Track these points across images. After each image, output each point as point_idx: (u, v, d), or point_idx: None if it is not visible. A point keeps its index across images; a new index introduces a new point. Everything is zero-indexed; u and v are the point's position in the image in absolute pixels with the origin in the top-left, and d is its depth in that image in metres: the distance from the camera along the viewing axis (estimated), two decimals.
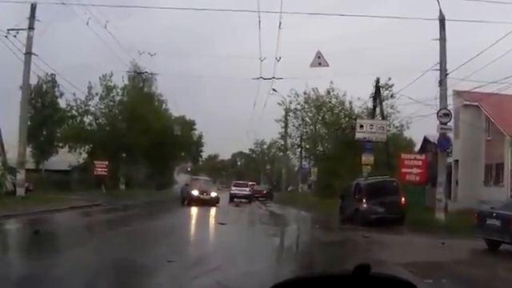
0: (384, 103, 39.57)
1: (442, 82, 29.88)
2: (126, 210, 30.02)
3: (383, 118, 32.64)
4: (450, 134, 31.18)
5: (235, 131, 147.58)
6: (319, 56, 30.18)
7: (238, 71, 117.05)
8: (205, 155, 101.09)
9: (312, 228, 23.72)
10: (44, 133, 58.57)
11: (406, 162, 30.22)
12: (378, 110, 37.27)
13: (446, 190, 30.24)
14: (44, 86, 58.09)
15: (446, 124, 29.58)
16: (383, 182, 27.71)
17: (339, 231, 23.12)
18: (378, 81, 32.58)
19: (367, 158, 31.98)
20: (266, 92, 70.45)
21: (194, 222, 23.00)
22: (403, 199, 27.18)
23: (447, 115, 29.76)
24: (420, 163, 30.28)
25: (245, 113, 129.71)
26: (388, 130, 33.17)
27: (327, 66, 29.98)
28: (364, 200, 26.37)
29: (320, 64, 30.15)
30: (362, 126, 31.86)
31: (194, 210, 31.65)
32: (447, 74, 30.17)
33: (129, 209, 31.01)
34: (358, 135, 32.12)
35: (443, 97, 30.00)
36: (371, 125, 31.85)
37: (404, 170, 29.98)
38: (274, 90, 54.77)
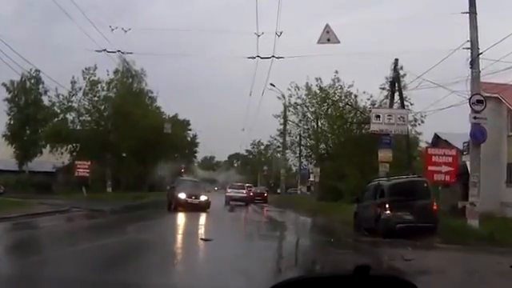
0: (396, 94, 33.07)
1: (474, 63, 23.90)
2: (93, 217, 23.59)
3: (403, 106, 25.93)
4: (485, 125, 24.99)
5: (231, 132, 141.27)
6: (328, 31, 23.61)
7: (233, 52, 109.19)
8: (200, 156, 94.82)
9: (325, 244, 16.94)
10: (27, 132, 52.60)
11: (433, 158, 23.64)
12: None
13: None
14: (27, 83, 52.05)
15: (479, 112, 23.55)
16: (411, 182, 21.19)
17: (363, 248, 16.45)
18: (396, 62, 25.91)
19: (385, 155, 25.35)
20: (263, 81, 63.21)
21: (168, 237, 16.04)
22: (435, 204, 20.74)
23: (481, 102, 23.77)
24: (450, 160, 23.74)
25: (241, 111, 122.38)
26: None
27: (337, 42, 23.42)
28: (387, 205, 20.00)
29: (329, 40, 23.60)
30: (378, 117, 25.19)
31: (178, 218, 24.99)
32: (480, 54, 24.12)
33: (98, 216, 24.54)
34: (374, 127, 25.48)
35: (476, 80, 24.00)
36: (389, 115, 25.17)
37: (431, 167, 23.41)
38: (271, 84, 48.36)
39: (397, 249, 16.33)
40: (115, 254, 11.99)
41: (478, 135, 23.54)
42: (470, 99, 23.36)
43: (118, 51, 25.00)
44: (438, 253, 16.27)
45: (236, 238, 16.84)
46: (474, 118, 23.40)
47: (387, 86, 34.38)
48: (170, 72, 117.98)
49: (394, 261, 12.99)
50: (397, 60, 25.90)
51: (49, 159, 51.65)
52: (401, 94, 25.81)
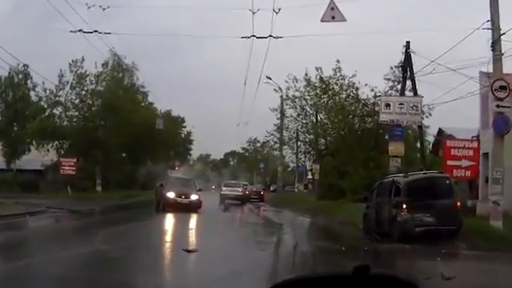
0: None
1: (496, 45, 20.75)
2: (66, 220, 20.23)
3: (415, 93, 22.47)
4: (509, 114, 21.78)
5: (227, 130, 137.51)
6: (332, 7, 20.17)
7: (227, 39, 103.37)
8: (196, 154, 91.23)
9: (335, 253, 13.39)
10: (15, 129, 48.99)
11: (452, 151, 20.28)
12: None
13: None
14: (15, 78, 48.42)
15: (502, 100, 20.39)
16: (431, 178, 17.77)
17: (383, 259, 13.00)
18: (408, 45, 22.43)
19: (396, 148, 21.93)
20: (259, 69, 59.07)
21: (142, 248, 12.37)
22: (458, 203, 17.39)
23: (504, 88, 20.57)
24: (471, 153, 20.40)
25: (237, 108, 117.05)
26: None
27: (343, 20, 20.02)
28: (404, 205, 16.63)
29: (334, 18, 20.21)
30: (388, 106, 21.75)
31: (164, 221, 21.59)
32: (502, 34, 21.03)
33: (72, 218, 21.22)
34: (384, 117, 22.07)
35: (498, 64, 20.82)
36: (401, 103, 21.72)
37: (450, 162, 20.07)
38: (268, 77, 44.86)
39: (424, 259, 13.01)
40: (60, 273, 8.51)
41: (501, 125, 20.38)
42: (491, 85, 20.24)
43: (95, 31, 21.54)
44: (475, 264, 12.92)
45: (226, 247, 13.23)
46: (497, 106, 20.31)
47: (392, 77, 31.12)
48: (163, 69, 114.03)
49: (433, 280, 9.53)
50: (408, 42, 22.46)
51: (38, 157, 48.16)
52: (413, 80, 22.37)
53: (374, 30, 66.09)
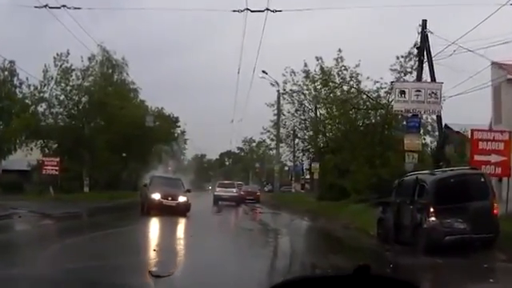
0: (409, 76, 26.38)
1: None
2: (30, 226, 16.89)
3: (433, 79, 18.99)
4: None
5: (223, 130, 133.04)
6: None
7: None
8: (191, 155, 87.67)
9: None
10: (1, 127, 45.36)
11: (480, 144, 16.78)
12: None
13: None
14: (1, 75, 44.80)
15: None
16: (462, 176, 14.30)
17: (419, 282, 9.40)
18: (424, 24, 18.95)
19: (412, 142, 18.45)
20: (254, 56, 54.36)
21: (101, 269, 8.83)
22: (496, 206, 13.97)
23: None
24: (502, 146, 16.88)
25: (232, 108, 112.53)
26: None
27: None
28: (432, 209, 13.24)
29: None
30: (403, 93, 18.29)
31: (144, 227, 18.09)
32: None
33: (37, 224, 17.91)
34: (398, 106, 18.64)
35: None
36: (417, 90, 18.25)
37: (478, 157, 16.58)
38: (263, 72, 41.46)
39: (473, 281, 9.67)
40: None
41: None
42: None
43: (64, 6, 18.03)
44: None
45: (210, 268, 9.60)
46: None
47: (399, 67, 27.84)
48: (157, 68, 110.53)
49: None
50: (425, 21, 19.01)
51: (26, 157, 44.57)
52: (431, 64, 18.93)
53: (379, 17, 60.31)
